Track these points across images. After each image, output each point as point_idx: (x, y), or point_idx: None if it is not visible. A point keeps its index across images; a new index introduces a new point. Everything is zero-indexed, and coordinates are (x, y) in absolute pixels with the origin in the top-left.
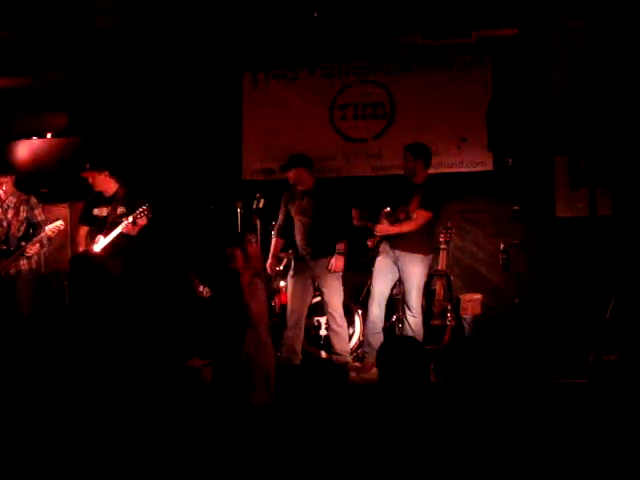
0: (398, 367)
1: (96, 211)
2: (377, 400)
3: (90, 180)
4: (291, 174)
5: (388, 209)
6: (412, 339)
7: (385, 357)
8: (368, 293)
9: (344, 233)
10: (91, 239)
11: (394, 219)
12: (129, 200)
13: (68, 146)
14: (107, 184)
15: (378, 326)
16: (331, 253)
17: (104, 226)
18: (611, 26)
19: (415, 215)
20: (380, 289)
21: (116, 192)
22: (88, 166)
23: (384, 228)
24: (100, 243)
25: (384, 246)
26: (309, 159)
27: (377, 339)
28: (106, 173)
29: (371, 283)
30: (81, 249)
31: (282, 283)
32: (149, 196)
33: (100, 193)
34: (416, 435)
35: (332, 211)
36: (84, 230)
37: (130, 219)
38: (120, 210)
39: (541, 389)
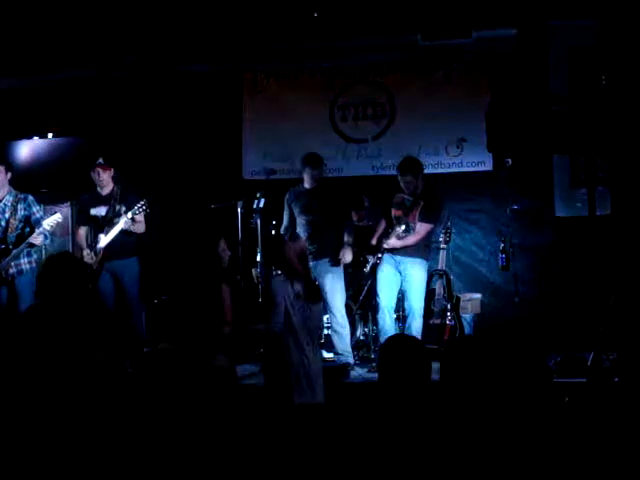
0: (399, 366)
1: (94, 211)
2: (377, 400)
3: (98, 175)
4: (317, 172)
5: (384, 225)
6: (413, 338)
7: (386, 356)
8: (368, 293)
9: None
10: (92, 239)
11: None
12: (126, 198)
13: (68, 146)
14: (109, 182)
15: (391, 333)
16: (333, 252)
17: (104, 225)
18: (611, 26)
19: (417, 228)
20: (386, 300)
21: (112, 190)
22: (102, 160)
23: (391, 244)
24: (102, 242)
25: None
26: None
27: None
28: (113, 170)
29: (376, 293)
30: (84, 249)
31: None
32: (150, 196)
33: (95, 192)
34: (416, 435)
35: (335, 210)
36: (83, 230)
37: (130, 215)
38: (119, 208)
39: (540, 388)
